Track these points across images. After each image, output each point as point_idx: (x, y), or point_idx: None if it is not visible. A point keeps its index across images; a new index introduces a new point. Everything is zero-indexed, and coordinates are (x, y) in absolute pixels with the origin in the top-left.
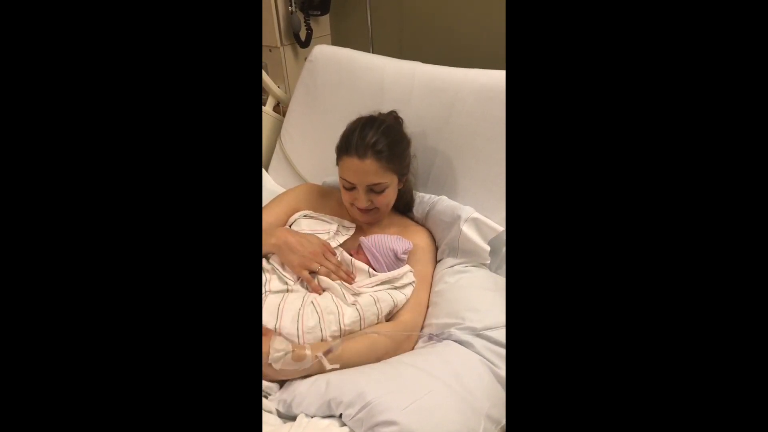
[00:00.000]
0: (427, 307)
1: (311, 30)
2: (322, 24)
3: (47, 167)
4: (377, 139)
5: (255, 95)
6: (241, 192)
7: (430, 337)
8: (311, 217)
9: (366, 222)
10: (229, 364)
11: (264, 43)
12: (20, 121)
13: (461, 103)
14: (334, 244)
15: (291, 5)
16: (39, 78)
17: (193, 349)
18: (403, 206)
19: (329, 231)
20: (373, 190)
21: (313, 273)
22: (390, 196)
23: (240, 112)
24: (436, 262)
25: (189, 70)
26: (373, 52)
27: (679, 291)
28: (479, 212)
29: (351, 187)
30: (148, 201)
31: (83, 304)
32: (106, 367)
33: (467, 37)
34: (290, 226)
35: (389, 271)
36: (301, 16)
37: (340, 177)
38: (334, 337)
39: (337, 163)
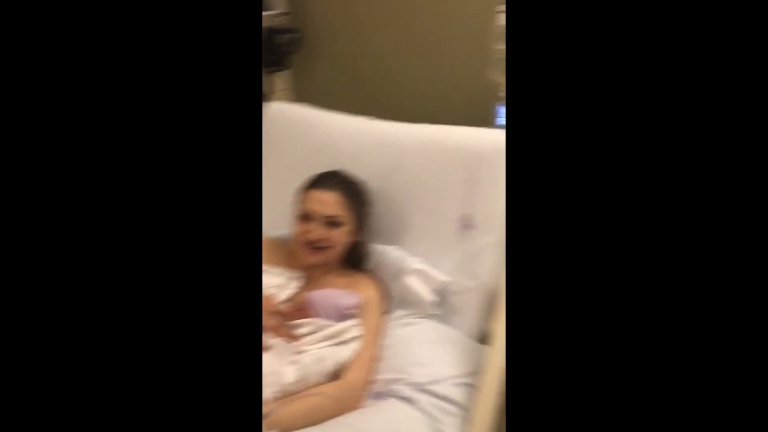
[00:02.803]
0: (378, 362)
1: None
2: (283, 79)
3: (47, 167)
4: (344, 180)
5: (255, 96)
6: (240, 193)
7: (375, 396)
8: None
9: (315, 262)
10: (228, 371)
11: None
12: (19, 120)
13: (407, 156)
14: (281, 297)
15: None
16: (41, 78)
17: (190, 353)
18: (355, 261)
19: (276, 284)
20: (332, 222)
21: None
22: (344, 237)
23: (240, 113)
24: (386, 314)
25: (188, 72)
26: (329, 108)
27: (675, 294)
28: (426, 262)
29: (308, 219)
30: (147, 203)
31: (81, 310)
32: (104, 373)
33: (419, 92)
34: None
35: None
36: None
37: (300, 208)
38: (275, 399)
39: (297, 202)
